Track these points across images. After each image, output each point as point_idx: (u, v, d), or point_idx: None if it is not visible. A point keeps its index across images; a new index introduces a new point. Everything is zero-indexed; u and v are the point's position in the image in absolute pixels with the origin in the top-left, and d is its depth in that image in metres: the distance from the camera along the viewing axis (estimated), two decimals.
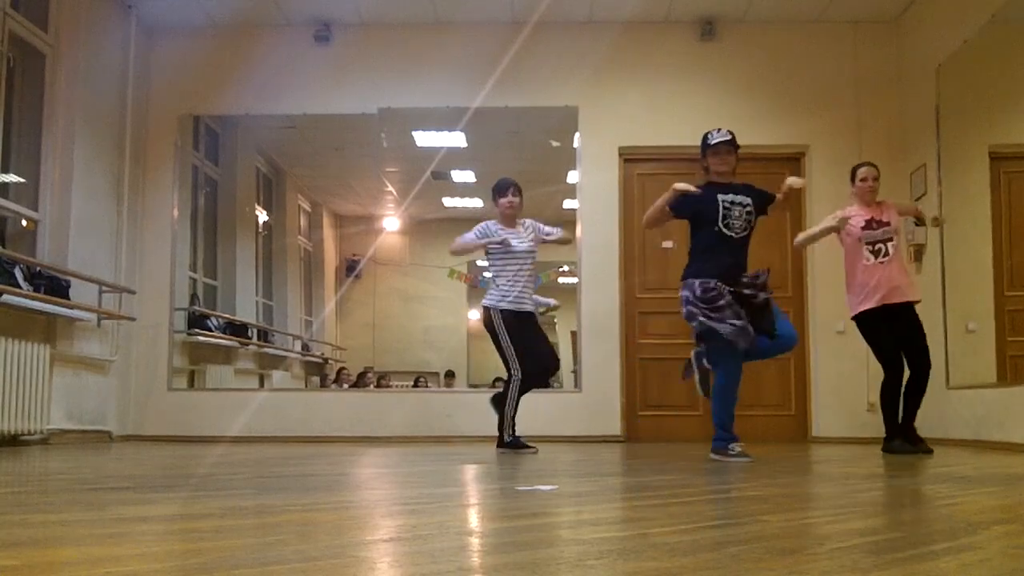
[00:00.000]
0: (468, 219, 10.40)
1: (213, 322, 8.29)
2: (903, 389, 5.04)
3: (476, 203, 10.28)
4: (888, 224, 5.11)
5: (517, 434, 5.25)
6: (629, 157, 7.44)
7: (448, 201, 10.20)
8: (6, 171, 6.33)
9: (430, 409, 7.40)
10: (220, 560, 1.44)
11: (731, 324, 4.27)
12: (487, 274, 5.82)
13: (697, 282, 4.38)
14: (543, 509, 2.37)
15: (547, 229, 5.51)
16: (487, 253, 5.44)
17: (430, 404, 7.54)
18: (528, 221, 5.53)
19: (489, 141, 8.78)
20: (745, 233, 4.50)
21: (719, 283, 4.34)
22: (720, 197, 4.52)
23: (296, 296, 10.21)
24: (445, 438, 7.10)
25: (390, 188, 9.22)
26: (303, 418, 7.24)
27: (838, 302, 7.02)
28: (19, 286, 5.70)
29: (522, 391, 5.29)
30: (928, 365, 5.01)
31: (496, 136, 8.64)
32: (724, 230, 4.45)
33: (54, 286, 6.06)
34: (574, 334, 7.63)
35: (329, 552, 1.56)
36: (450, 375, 9.69)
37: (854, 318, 5.18)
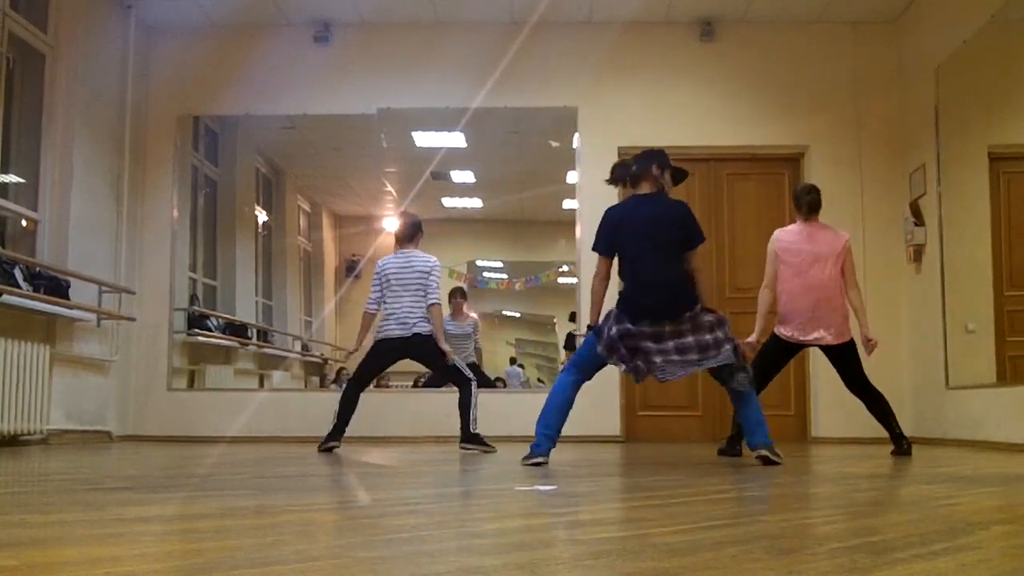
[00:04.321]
0: (468, 219, 10.46)
1: (213, 322, 8.29)
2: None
3: (475, 203, 10.28)
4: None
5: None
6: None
7: (448, 201, 10.19)
8: (6, 171, 6.32)
9: (430, 409, 7.39)
10: (220, 560, 1.44)
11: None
12: None
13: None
14: (543, 509, 2.37)
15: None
16: None
17: (430, 404, 7.53)
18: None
19: (488, 141, 8.78)
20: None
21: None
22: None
23: (296, 296, 10.20)
24: (445, 438, 7.09)
25: (389, 188, 9.21)
26: (303, 418, 7.23)
27: None
28: (19, 286, 5.69)
29: None
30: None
31: (496, 136, 8.63)
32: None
33: (54, 286, 6.05)
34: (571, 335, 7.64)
35: (329, 552, 1.57)
36: None
37: None
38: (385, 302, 5.57)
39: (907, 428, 6.97)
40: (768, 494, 2.81)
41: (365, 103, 7.54)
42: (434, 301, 5.55)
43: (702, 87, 7.45)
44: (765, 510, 2.32)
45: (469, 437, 5.47)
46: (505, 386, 9.15)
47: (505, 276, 9.65)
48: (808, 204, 5.04)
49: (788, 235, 5.02)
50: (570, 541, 1.77)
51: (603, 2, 7.19)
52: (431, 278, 5.56)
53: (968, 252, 6.25)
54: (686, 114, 7.39)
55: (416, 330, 5.47)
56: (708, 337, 4.00)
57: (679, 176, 4.33)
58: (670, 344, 4.00)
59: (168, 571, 1.40)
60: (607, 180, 4.33)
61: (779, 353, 5.03)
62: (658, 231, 4.08)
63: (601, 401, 7.17)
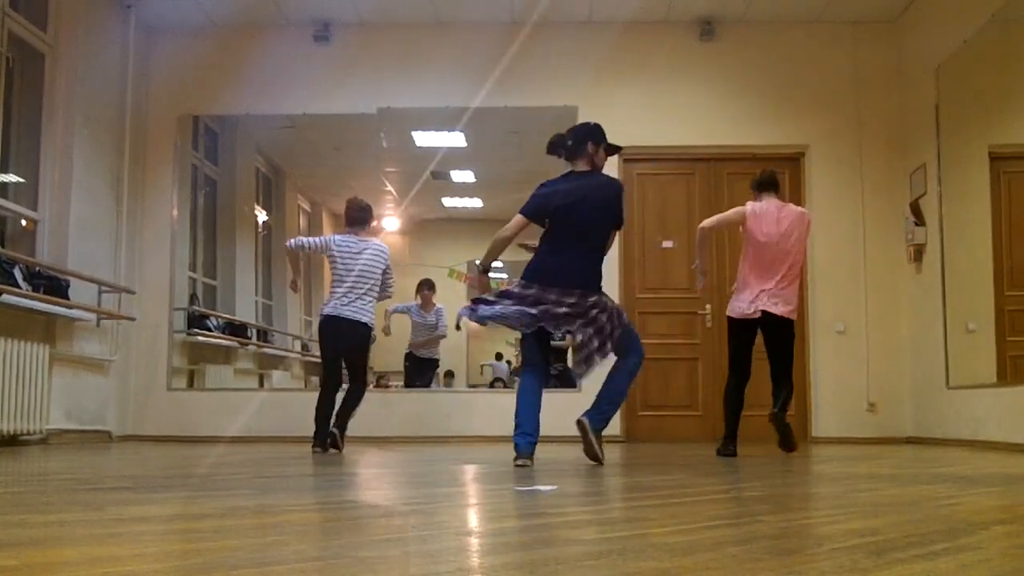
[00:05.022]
0: (468, 219, 10.44)
1: (212, 322, 8.28)
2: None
3: (475, 203, 10.27)
4: None
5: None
6: (629, 157, 7.42)
7: (448, 201, 10.19)
8: (6, 171, 6.33)
9: (430, 409, 7.40)
10: (220, 560, 1.44)
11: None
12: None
13: None
14: (543, 509, 2.37)
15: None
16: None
17: (430, 404, 7.54)
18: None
19: (489, 141, 8.77)
20: None
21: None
22: None
23: (296, 296, 10.19)
24: (444, 438, 7.10)
25: (389, 188, 9.21)
26: (303, 418, 7.22)
27: (838, 302, 7.05)
28: (19, 286, 5.69)
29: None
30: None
31: (496, 136, 8.63)
32: None
33: (54, 286, 6.05)
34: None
35: (329, 552, 1.57)
36: (449, 375, 9.68)
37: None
38: (339, 282, 5.58)
39: (907, 428, 7.00)
40: (768, 494, 2.81)
41: (365, 103, 7.54)
42: (391, 294, 5.83)
43: (702, 87, 7.45)
44: (765, 510, 2.32)
45: (342, 428, 5.50)
46: (505, 386, 9.16)
47: (505, 276, 9.62)
48: (764, 181, 5.16)
49: (762, 211, 5.06)
50: (570, 541, 1.76)
51: (603, 2, 7.19)
52: (389, 272, 5.71)
53: (968, 252, 6.25)
54: (686, 114, 7.39)
55: (363, 319, 5.53)
56: (607, 326, 4.09)
57: (613, 150, 4.36)
58: (578, 323, 4.05)
59: (168, 571, 1.39)
60: (547, 151, 4.36)
61: (744, 335, 5.07)
62: (589, 213, 4.14)
63: None
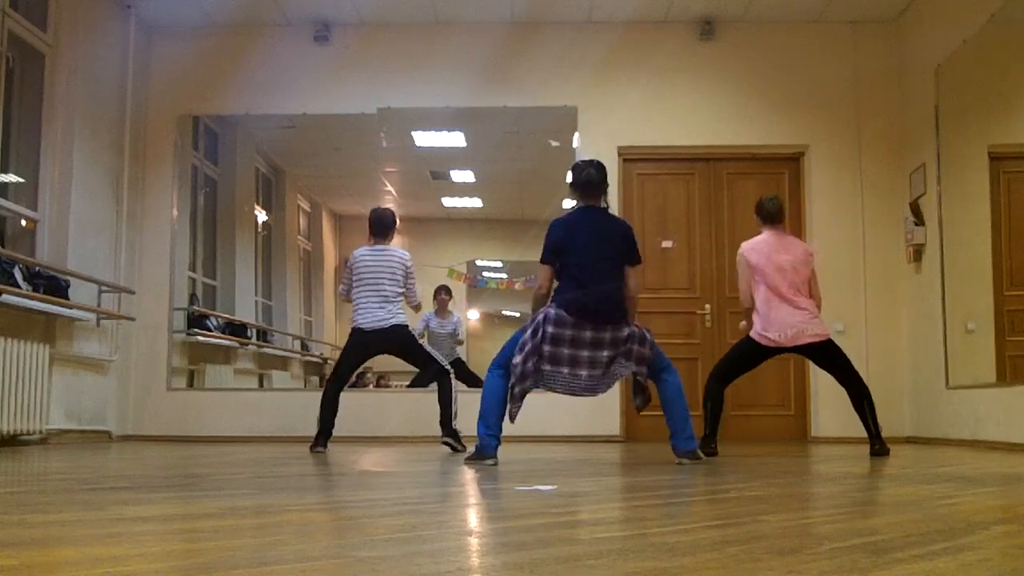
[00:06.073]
0: (468, 219, 10.45)
1: (212, 322, 8.28)
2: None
3: (475, 203, 10.28)
4: None
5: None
6: (628, 157, 7.44)
7: (447, 201, 10.20)
8: (6, 171, 6.33)
9: (429, 409, 7.37)
10: (220, 560, 1.44)
11: None
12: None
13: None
14: (543, 509, 2.37)
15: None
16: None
17: (429, 404, 7.51)
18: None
19: (488, 141, 8.78)
20: None
21: None
22: None
23: (296, 296, 10.19)
24: None
25: (389, 188, 9.20)
26: (303, 418, 7.22)
27: (837, 302, 7.05)
28: (18, 286, 5.69)
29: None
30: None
31: (495, 136, 8.63)
32: None
33: (53, 286, 6.05)
34: None
35: (329, 552, 1.57)
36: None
37: None
38: (357, 294, 5.53)
39: (907, 428, 7.00)
40: (768, 494, 2.81)
41: (365, 103, 7.55)
42: (419, 302, 5.71)
43: (702, 87, 7.44)
44: (765, 510, 2.32)
45: (451, 433, 5.50)
46: None
47: (505, 276, 9.64)
48: (771, 212, 5.14)
49: (757, 245, 5.07)
50: (570, 541, 1.77)
51: (603, 2, 7.19)
52: (410, 280, 5.57)
53: (968, 252, 6.25)
54: (686, 114, 7.39)
55: (394, 322, 5.47)
56: (645, 352, 4.18)
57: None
58: (604, 354, 4.09)
59: (168, 571, 1.40)
60: (587, 189, 4.35)
61: (757, 356, 5.09)
62: (607, 244, 4.23)
63: (601, 401, 7.14)
